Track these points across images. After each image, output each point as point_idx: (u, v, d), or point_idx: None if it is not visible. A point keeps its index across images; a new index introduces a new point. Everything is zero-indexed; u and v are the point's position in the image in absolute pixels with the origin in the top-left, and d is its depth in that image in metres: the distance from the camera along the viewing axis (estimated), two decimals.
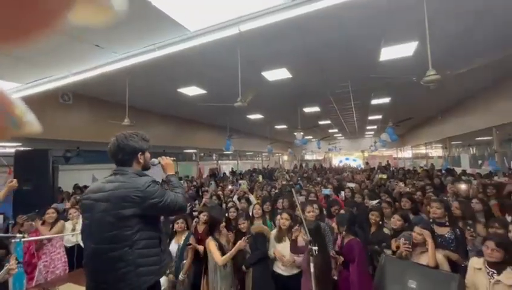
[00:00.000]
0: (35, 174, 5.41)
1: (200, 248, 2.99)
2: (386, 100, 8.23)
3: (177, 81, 5.83)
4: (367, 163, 18.53)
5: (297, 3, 2.67)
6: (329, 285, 2.41)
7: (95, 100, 6.74)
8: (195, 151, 13.26)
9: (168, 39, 3.48)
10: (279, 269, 2.80)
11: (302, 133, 10.42)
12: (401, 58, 4.66)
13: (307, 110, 9.42)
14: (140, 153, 1.59)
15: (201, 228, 3.50)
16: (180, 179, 8.83)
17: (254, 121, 11.01)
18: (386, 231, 3.13)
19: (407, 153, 20.41)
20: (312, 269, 1.72)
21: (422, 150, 16.41)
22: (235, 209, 3.69)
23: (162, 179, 1.74)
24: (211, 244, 2.71)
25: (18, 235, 2.44)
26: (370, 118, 11.66)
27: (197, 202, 5.22)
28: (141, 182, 1.46)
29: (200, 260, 2.97)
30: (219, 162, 16.49)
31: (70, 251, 3.53)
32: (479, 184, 4.94)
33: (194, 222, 3.72)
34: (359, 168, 16.39)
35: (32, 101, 0.68)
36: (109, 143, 1.58)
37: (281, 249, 2.80)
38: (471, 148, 13.36)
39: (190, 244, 2.98)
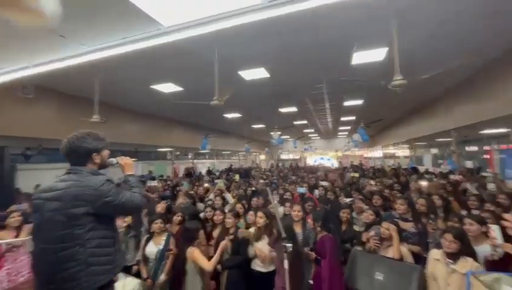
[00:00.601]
0: None
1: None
2: (359, 102, 8.61)
3: (151, 78, 5.64)
4: (340, 162, 19.26)
5: (275, 4, 2.70)
6: (301, 281, 2.48)
7: (61, 95, 6.31)
8: (170, 150, 12.91)
9: (140, 33, 3.34)
10: (258, 266, 2.88)
11: (279, 133, 10.60)
12: (372, 62, 4.91)
13: (283, 110, 9.57)
14: (95, 153, 1.57)
15: (175, 229, 3.43)
16: (154, 178, 8.56)
17: (231, 120, 10.96)
18: (356, 228, 3.30)
19: (377, 153, 21.55)
20: (286, 266, 1.76)
21: (391, 150, 17.42)
22: (212, 208, 3.69)
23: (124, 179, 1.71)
24: (196, 253, 2.62)
25: None
26: (343, 119, 12.13)
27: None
28: (95, 181, 1.45)
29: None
30: (195, 161, 16.20)
31: None
32: (439, 182, 5.36)
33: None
34: (332, 167, 16.99)
35: None
36: (61, 144, 1.54)
37: (260, 247, 2.86)
38: (433, 149, 14.43)
39: (171, 250, 2.92)
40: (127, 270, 2.93)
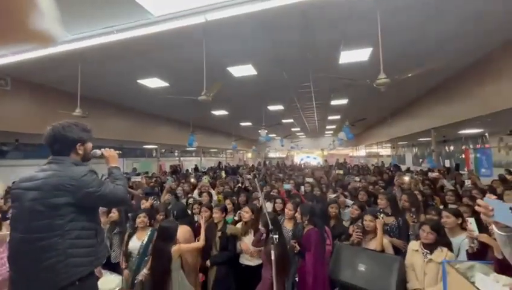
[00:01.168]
0: None
1: None
2: (344, 101, 8.81)
3: (137, 71, 5.51)
4: (326, 161, 19.61)
5: None
6: (288, 272, 2.53)
7: (40, 87, 6.04)
8: (155, 147, 12.67)
9: (128, 22, 3.23)
10: (247, 260, 2.93)
11: (266, 131, 10.64)
12: (358, 62, 5.04)
13: (271, 108, 9.63)
14: (79, 143, 1.54)
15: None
16: (138, 174, 8.38)
17: (219, 117, 10.91)
18: (345, 223, 3.40)
19: (361, 151, 22.14)
20: (273, 257, 1.79)
21: (375, 149, 17.92)
22: (198, 204, 3.68)
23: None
24: (182, 246, 2.59)
25: None
26: (330, 117, 12.36)
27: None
28: (78, 171, 1.43)
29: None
30: (181, 158, 15.99)
31: None
32: (419, 179, 5.61)
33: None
34: (318, 165, 17.27)
35: None
36: (45, 132, 1.50)
37: (248, 242, 2.90)
38: (414, 148, 14.98)
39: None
40: (113, 268, 2.87)
